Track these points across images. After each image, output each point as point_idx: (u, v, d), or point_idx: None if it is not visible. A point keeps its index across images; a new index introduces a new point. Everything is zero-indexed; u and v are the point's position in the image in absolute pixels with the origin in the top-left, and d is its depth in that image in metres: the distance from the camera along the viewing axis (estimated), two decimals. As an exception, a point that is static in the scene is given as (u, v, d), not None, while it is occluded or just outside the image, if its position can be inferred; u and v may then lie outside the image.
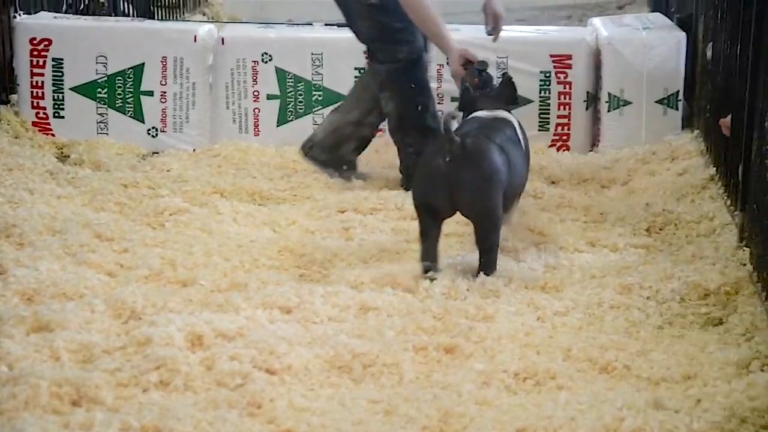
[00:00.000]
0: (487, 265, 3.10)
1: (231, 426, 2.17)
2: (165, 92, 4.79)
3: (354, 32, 4.07)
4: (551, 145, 4.68)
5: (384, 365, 2.51)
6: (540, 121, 4.71)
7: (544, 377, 2.46)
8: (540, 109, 4.70)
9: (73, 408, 2.24)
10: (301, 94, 4.76)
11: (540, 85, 4.69)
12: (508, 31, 5.06)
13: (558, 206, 3.96)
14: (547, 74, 4.69)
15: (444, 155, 3.02)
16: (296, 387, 2.40)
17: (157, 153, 4.65)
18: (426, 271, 3.10)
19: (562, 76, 4.68)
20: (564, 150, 4.67)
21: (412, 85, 3.97)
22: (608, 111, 4.66)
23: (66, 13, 5.49)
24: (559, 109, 4.70)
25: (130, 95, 4.79)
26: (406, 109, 3.98)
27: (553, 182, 4.28)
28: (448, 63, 3.94)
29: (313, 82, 4.76)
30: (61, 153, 4.58)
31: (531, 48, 4.73)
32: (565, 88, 4.68)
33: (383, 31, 3.94)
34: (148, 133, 4.80)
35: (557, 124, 4.71)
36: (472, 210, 3.08)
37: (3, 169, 4.23)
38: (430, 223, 3.12)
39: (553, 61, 4.68)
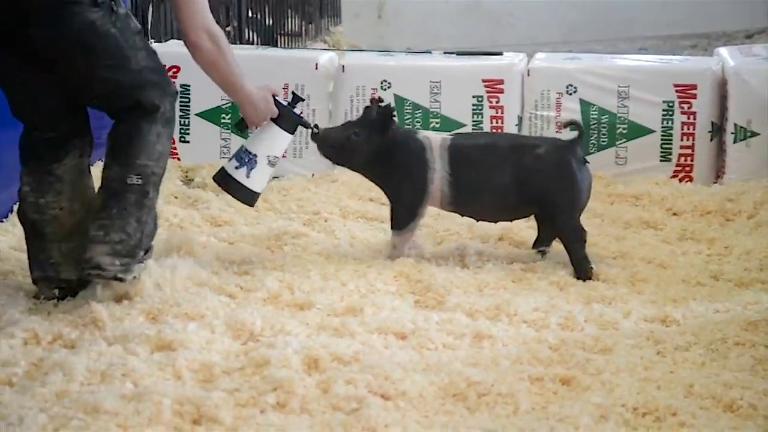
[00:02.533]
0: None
1: (346, 450, 2.18)
2: (286, 118, 4.88)
3: (99, 80, 2.97)
4: (673, 176, 4.59)
5: (499, 395, 2.49)
6: (662, 152, 4.62)
7: (665, 413, 2.39)
8: (662, 140, 4.62)
9: (194, 426, 2.29)
10: (418, 122, 4.79)
11: (663, 115, 4.61)
12: (630, 60, 5.02)
13: (680, 238, 3.87)
14: (671, 104, 4.61)
15: (585, 164, 3.53)
16: (411, 413, 2.40)
17: (277, 177, 4.73)
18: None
19: (686, 106, 4.60)
20: (687, 181, 4.57)
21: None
22: (734, 142, 4.55)
23: (193, 41, 5.65)
24: (682, 139, 4.61)
25: (253, 121, 4.90)
26: (162, 169, 3.06)
27: (674, 213, 4.20)
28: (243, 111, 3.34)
29: (431, 110, 4.79)
30: (186, 176, 4.72)
31: (654, 77, 4.66)
32: (689, 118, 4.59)
33: (160, 66, 3.11)
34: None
35: (680, 155, 4.61)
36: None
37: (131, 192, 4.37)
38: None
39: (677, 91, 4.60)
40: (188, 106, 4.90)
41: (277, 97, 3.37)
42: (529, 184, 3.46)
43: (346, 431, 2.29)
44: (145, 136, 2.97)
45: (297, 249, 3.61)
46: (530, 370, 2.62)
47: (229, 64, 3.20)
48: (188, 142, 4.90)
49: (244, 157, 3.34)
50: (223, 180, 3.38)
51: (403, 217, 3.52)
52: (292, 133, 3.41)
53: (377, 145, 3.48)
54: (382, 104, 3.51)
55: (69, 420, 2.27)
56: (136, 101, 2.96)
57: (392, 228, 3.55)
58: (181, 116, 4.86)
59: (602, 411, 2.40)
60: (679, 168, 4.63)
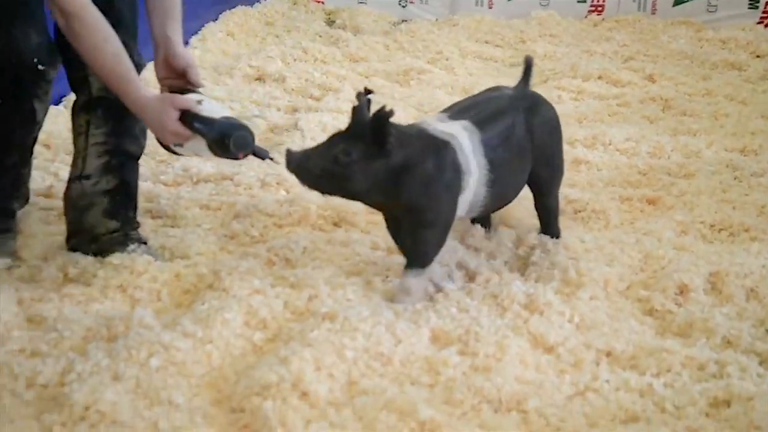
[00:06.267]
0: None
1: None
2: (416, -32, 4.74)
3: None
4: (759, 22, 4.33)
5: (593, 211, 2.44)
6: (750, 0, 4.33)
7: (738, 229, 2.32)
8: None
9: (334, 228, 2.34)
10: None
11: (755, -35, 4.29)
12: None
13: (762, 78, 3.66)
14: (763, -45, 4.28)
15: None
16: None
17: (406, 21, 4.64)
18: None
19: (777, -44, 4.27)
20: (772, 27, 4.29)
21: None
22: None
23: None
24: (771, -12, 4.30)
25: (388, -30, 4.77)
26: None
27: (758, 56, 3.96)
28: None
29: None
30: (329, 18, 4.66)
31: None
32: (779, -32, 4.26)
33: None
34: (399, 4, 4.78)
35: (767, 2, 4.31)
36: None
37: (283, 30, 4.36)
38: None
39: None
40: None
41: (194, 111, 1.85)
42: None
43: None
44: None
45: (422, 83, 3.55)
46: (621, 191, 2.56)
47: (92, 50, 1.82)
48: (329, -11, 4.81)
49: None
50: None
51: (433, 249, 1.97)
52: (223, 156, 1.87)
53: (380, 163, 1.87)
54: (369, 95, 1.95)
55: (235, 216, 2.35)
56: None
57: (412, 267, 1.95)
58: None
59: (683, 227, 2.34)
60: (766, 14, 4.33)
